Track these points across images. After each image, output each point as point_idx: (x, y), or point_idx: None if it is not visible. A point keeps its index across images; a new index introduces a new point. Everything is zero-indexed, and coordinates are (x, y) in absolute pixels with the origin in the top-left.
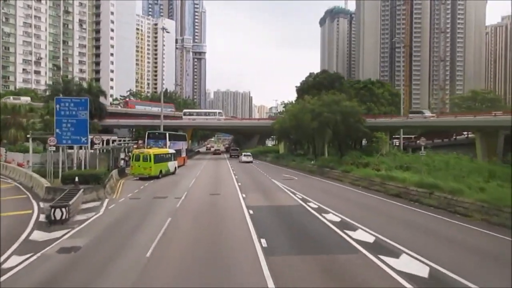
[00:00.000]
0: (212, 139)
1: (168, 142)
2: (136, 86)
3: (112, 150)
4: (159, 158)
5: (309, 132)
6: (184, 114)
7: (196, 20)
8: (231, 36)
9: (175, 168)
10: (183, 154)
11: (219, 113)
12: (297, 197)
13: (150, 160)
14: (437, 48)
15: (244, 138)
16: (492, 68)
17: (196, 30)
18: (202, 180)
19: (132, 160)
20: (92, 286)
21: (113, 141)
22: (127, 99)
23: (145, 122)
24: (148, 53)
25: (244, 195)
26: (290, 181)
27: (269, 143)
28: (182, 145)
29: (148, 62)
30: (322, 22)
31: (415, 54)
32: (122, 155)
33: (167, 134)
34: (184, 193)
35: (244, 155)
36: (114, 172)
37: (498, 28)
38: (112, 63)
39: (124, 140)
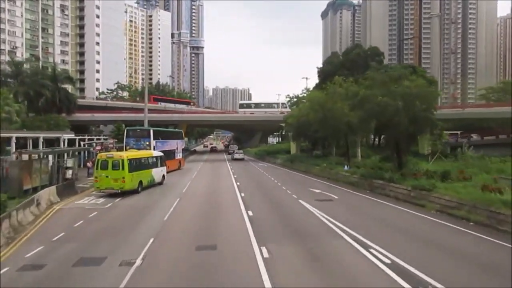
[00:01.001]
0: (211, 136)
1: (153, 142)
2: (130, 81)
3: (47, 155)
4: (136, 165)
5: (341, 127)
6: (241, 107)
7: (194, 14)
8: (230, 32)
9: (163, 176)
10: (178, 156)
11: (282, 104)
12: (378, 259)
13: (122, 168)
14: (448, 40)
15: (245, 136)
16: (502, 61)
17: (194, 25)
18: (190, 201)
19: (97, 169)
20: None
21: (81, 140)
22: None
23: (126, 116)
24: (142, 47)
25: (265, 251)
26: (330, 204)
27: (272, 140)
28: (177, 145)
29: (143, 56)
30: (324, 14)
31: (424, 46)
32: (69, 162)
33: (151, 131)
34: (147, 243)
35: (236, 153)
36: (48, 192)
37: (508, 20)
38: (98, 53)
39: (98, 139)
